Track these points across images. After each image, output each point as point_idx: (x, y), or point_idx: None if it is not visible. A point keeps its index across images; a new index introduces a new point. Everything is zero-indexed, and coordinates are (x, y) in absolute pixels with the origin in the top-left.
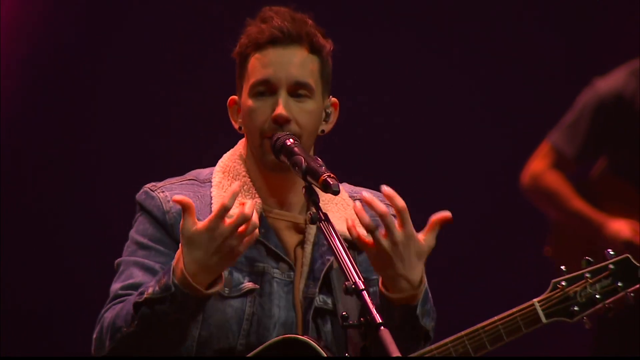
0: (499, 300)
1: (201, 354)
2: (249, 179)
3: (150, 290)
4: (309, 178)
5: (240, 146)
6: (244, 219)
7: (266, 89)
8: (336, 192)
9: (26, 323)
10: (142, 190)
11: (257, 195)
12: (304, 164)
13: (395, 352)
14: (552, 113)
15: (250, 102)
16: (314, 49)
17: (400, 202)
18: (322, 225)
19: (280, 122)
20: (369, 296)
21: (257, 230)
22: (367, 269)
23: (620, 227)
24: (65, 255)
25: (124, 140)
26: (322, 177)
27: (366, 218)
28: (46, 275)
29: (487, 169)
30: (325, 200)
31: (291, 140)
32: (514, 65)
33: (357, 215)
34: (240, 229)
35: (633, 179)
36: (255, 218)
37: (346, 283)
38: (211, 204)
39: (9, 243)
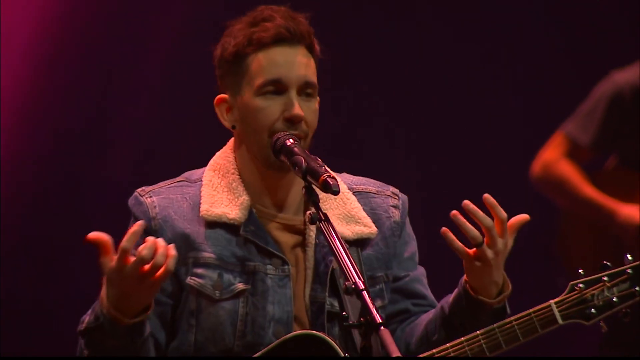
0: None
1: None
2: (238, 177)
3: (86, 319)
4: (309, 178)
5: (232, 144)
6: (142, 261)
7: (276, 89)
8: (336, 193)
9: (26, 323)
10: (133, 195)
11: (245, 193)
12: (304, 164)
13: (395, 352)
14: (561, 112)
15: (257, 102)
16: (311, 48)
17: (502, 212)
18: (322, 225)
19: (295, 122)
20: (369, 296)
21: (169, 265)
22: (372, 267)
23: (634, 212)
24: (65, 255)
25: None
26: (322, 177)
27: (473, 231)
28: (46, 275)
29: (494, 167)
30: (323, 197)
31: (291, 140)
32: (521, 60)
33: (463, 227)
34: (145, 267)
35: None
36: (160, 254)
37: (346, 283)
38: (200, 203)
39: (9, 243)
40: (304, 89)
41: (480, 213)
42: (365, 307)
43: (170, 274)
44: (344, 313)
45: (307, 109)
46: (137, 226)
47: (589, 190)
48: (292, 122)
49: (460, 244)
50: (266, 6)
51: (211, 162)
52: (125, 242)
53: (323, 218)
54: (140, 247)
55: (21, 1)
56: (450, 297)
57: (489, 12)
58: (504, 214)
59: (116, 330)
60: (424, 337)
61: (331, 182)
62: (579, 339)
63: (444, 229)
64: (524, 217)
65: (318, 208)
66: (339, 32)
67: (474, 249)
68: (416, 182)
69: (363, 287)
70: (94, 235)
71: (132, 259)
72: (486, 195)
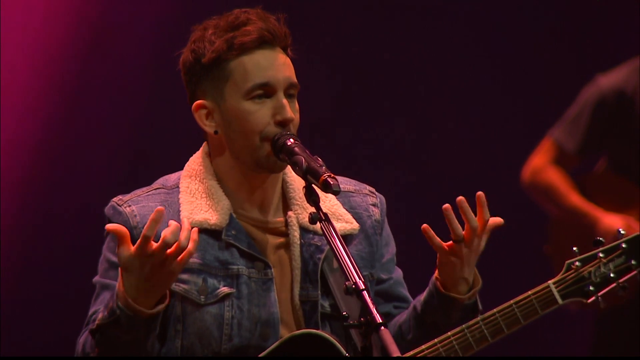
0: (498, 298)
1: None
2: (216, 182)
3: (100, 315)
4: (309, 177)
5: (207, 148)
6: (166, 245)
7: (264, 92)
8: (337, 192)
9: (26, 322)
10: (109, 205)
11: (224, 198)
12: (304, 164)
13: (395, 352)
14: (555, 111)
15: (246, 106)
16: (286, 50)
17: (487, 214)
18: (323, 225)
19: (287, 124)
20: (369, 296)
21: (191, 248)
22: (357, 266)
23: (614, 220)
24: (65, 253)
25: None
26: (323, 177)
27: (459, 228)
28: (46, 275)
29: (489, 167)
30: (304, 195)
31: (292, 140)
32: (516, 64)
33: (450, 223)
34: (168, 251)
35: (634, 175)
36: (184, 237)
37: (346, 283)
38: (180, 211)
39: (9, 241)
40: (289, 90)
41: (471, 213)
42: (366, 307)
43: (191, 256)
44: (344, 313)
45: (293, 110)
46: (156, 213)
47: (574, 198)
48: (284, 125)
49: (439, 239)
50: (239, 10)
51: (186, 167)
52: (147, 229)
53: (323, 218)
54: (165, 231)
55: (21, 1)
56: (422, 296)
57: (484, 17)
58: (488, 216)
59: (133, 323)
60: (399, 337)
61: (332, 182)
62: (577, 335)
63: (424, 225)
64: (499, 220)
65: (319, 208)
66: (335, 33)
67: (451, 243)
68: (407, 181)
69: (363, 287)
70: (112, 226)
71: (154, 245)
72: (480, 193)
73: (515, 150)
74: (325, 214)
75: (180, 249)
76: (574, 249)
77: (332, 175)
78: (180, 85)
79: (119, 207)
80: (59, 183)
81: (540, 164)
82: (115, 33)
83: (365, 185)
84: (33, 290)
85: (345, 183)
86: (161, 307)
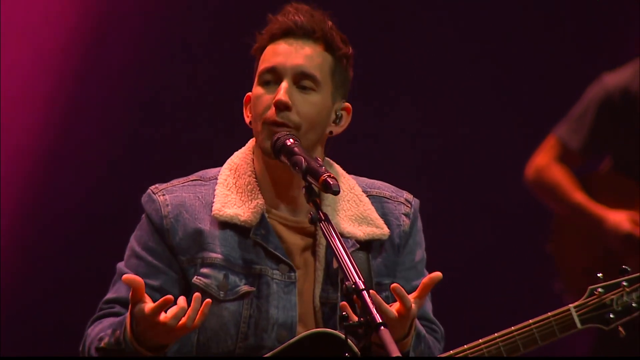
0: (499, 297)
1: None
2: (254, 179)
3: (106, 340)
4: (309, 178)
5: (251, 144)
6: (172, 323)
7: (272, 78)
8: (336, 193)
9: (26, 323)
10: (146, 192)
11: (260, 196)
12: (304, 164)
13: (395, 352)
14: (560, 109)
15: (257, 90)
16: (329, 47)
17: (408, 302)
18: (322, 225)
19: (280, 108)
20: (369, 296)
21: (197, 324)
22: (380, 274)
23: (620, 219)
24: (68, 253)
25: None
26: (322, 178)
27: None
28: (46, 275)
29: (492, 165)
30: (337, 198)
31: (291, 140)
32: (519, 61)
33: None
34: (180, 323)
35: (638, 175)
36: (189, 318)
37: (346, 283)
38: (213, 202)
39: (10, 242)
40: (301, 80)
41: (405, 298)
42: (366, 307)
43: (198, 328)
44: (344, 313)
45: (302, 100)
46: (164, 300)
47: (579, 196)
48: (278, 108)
49: (386, 306)
50: (292, 4)
51: (229, 161)
52: (152, 309)
53: (323, 218)
54: (168, 316)
55: (21, 1)
56: None
57: (488, 14)
58: (408, 304)
59: (139, 356)
60: None
61: (331, 182)
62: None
63: (346, 303)
64: (437, 275)
65: (318, 208)
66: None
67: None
68: (408, 182)
69: (363, 287)
70: (128, 277)
71: (162, 317)
72: (394, 286)
73: (519, 148)
74: (325, 214)
75: (186, 328)
76: (599, 275)
77: (332, 175)
78: (180, 85)
79: (153, 195)
80: (60, 183)
81: (544, 162)
82: (116, 33)
83: (403, 192)
84: (33, 290)
85: (383, 188)
86: (163, 351)
